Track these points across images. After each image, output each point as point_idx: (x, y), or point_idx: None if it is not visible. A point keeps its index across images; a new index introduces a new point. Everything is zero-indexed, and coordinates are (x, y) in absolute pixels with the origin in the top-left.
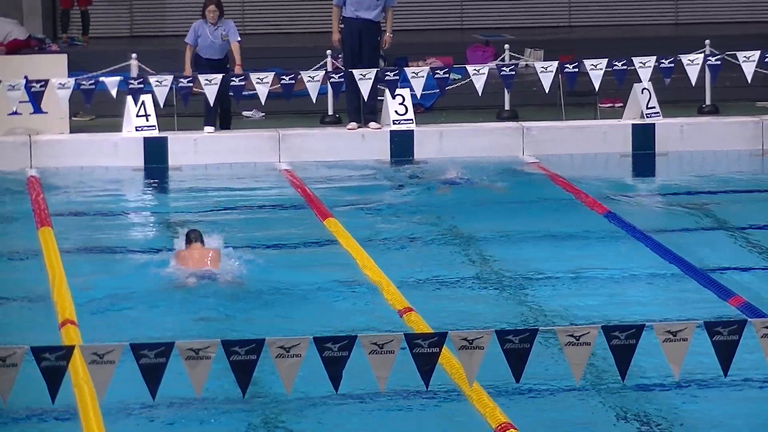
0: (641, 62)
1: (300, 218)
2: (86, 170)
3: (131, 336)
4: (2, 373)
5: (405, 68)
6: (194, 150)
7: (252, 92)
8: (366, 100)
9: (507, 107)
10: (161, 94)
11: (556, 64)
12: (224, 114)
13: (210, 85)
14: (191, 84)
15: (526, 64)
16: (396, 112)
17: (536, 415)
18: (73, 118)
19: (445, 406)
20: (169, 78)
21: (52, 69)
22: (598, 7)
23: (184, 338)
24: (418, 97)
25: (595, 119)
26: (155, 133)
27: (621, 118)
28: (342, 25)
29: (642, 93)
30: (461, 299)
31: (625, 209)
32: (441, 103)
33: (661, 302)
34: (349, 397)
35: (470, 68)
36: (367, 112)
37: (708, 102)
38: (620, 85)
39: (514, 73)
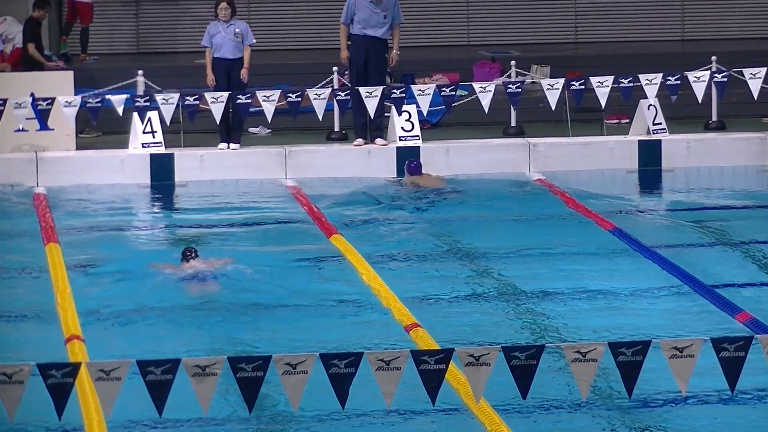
0: (648, 79)
1: (306, 234)
2: (92, 187)
3: (137, 351)
4: (9, 390)
5: (411, 85)
6: (200, 166)
7: (258, 109)
8: (372, 117)
9: (513, 123)
10: (167, 111)
11: (562, 80)
12: (235, 126)
13: (216, 103)
14: (197, 102)
15: (533, 81)
16: (402, 128)
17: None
18: (80, 135)
19: (452, 422)
20: (176, 96)
21: (59, 86)
22: (604, 23)
23: (191, 356)
24: (425, 113)
25: (601, 135)
26: (162, 150)
27: (627, 135)
28: (349, 43)
29: (648, 109)
30: (468, 315)
31: (631, 225)
32: (447, 120)
33: (668, 318)
34: (355, 414)
35: (477, 85)
36: (373, 128)
37: (714, 118)
38: (626, 101)
39: (520, 89)
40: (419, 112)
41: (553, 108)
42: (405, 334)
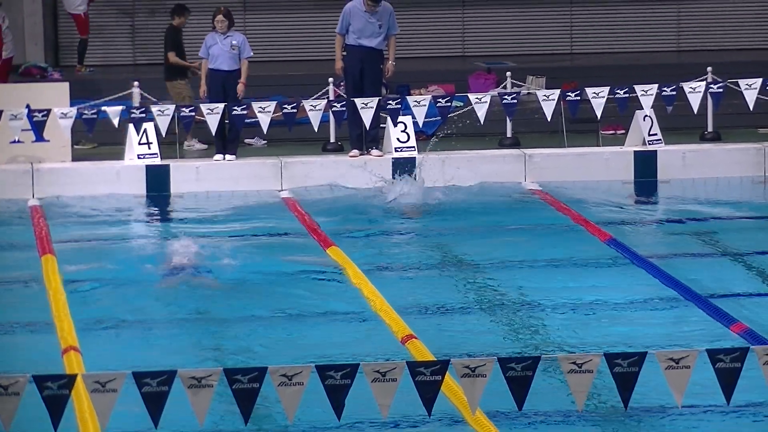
0: (643, 90)
1: (302, 246)
2: (88, 198)
3: (134, 362)
4: (5, 402)
5: (407, 96)
6: (196, 178)
7: (254, 120)
8: (368, 128)
9: (509, 134)
10: (163, 123)
11: (558, 91)
12: (231, 137)
13: (212, 115)
14: (193, 113)
15: (528, 92)
16: (398, 139)
17: None
18: (76, 147)
19: None
20: (171, 107)
21: (55, 98)
22: (600, 34)
23: (187, 367)
24: (420, 125)
25: (597, 146)
26: (157, 161)
27: (623, 146)
28: (344, 53)
29: (644, 120)
30: (464, 326)
31: (627, 236)
32: (443, 131)
33: (664, 329)
34: (351, 425)
35: (472, 96)
36: (369, 140)
37: (710, 129)
38: (622, 112)
39: (516, 100)
40: (415, 123)
41: (549, 119)
42: (401, 345)
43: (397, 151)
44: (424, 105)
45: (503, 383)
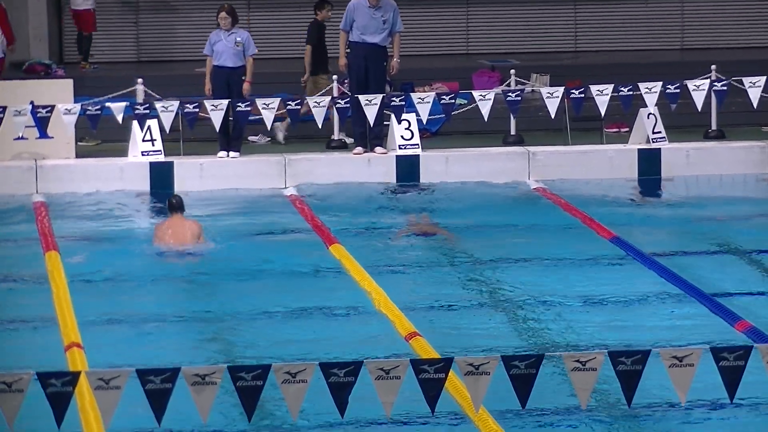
0: (647, 87)
1: (306, 244)
2: (92, 195)
3: (137, 359)
4: (8, 398)
5: (411, 93)
6: (200, 175)
7: (258, 117)
8: (372, 125)
9: (513, 132)
10: (167, 119)
11: (562, 89)
12: (235, 134)
13: (216, 111)
14: (197, 110)
15: (532, 90)
16: (402, 137)
17: None
18: (79, 143)
19: (451, 430)
20: (175, 103)
21: (58, 94)
22: (604, 32)
23: (190, 364)
24: (424, 122)
25: (601, 144)
26: (161, 158)
27: (627, 143)
28: (348, 50)
29: (648, 118)
30: (467, 324)
31: (631, 234)
32: (447, 128)
33: (668, 327)
34: (355, 423)
35: (476, 93)
36: (373, 137)
37: (714, 127)
38: (626, 110)
39: (520, 98)
40: (419, 121)
41: (553, 116)
42: (404, 343)
43: (401, 148)
44: (428, 102)
45: (507, 381)
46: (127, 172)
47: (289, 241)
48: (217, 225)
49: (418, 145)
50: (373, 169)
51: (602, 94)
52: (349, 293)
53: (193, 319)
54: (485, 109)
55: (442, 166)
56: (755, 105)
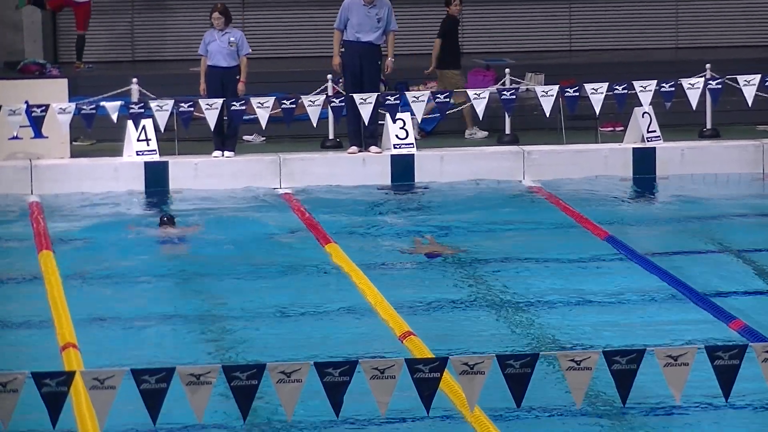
0: (642, 86)
1: (301, 243)
2: (87, 194)
3: (132, 359)
4: (3, 398)
5: (405, 92)
6: (195, 174)
7: (252, 116)
8: (367, 124)
9: (508, 131)
10: (162, 118)
11: (556, 88)
12: (229, 134)
13: (211, 110)
14: (192, 109)
15: (527, 89)
16: (397, 136)
17: None
18: (74, 143)
19: (446, 430)
20: (170, 102)
21: (53, 94)
22: (598, 31)
23: (186, 363)
24: (419, 120)
25: (595, 143)
26: (156, 158)
27: (622, 142)
28: (343, 49)
29: (643, 117)
30: (462, 323)
31: (625, 233)
32: (442, 127)
33: (662, 326)
34: (349, 423)
35: (471, 92)
36: (367, 136)
37: (709, 126)
38: (621, 109)
39: (514, 97)
40: (414, 120)
41: (548, 115)
42: (399, 342)
43: (396, 147)
44: (423, 101)
45: (502, 380)
46: (121, 172)
47: (284, 241)
48: (212, 225)
49: (413, 144)
50: (368, 168)
51: (597, 93)
52: (344, 292)
53: (188, 319)
54: (480, 107)
55: (437, 166)
56: (750, 103)
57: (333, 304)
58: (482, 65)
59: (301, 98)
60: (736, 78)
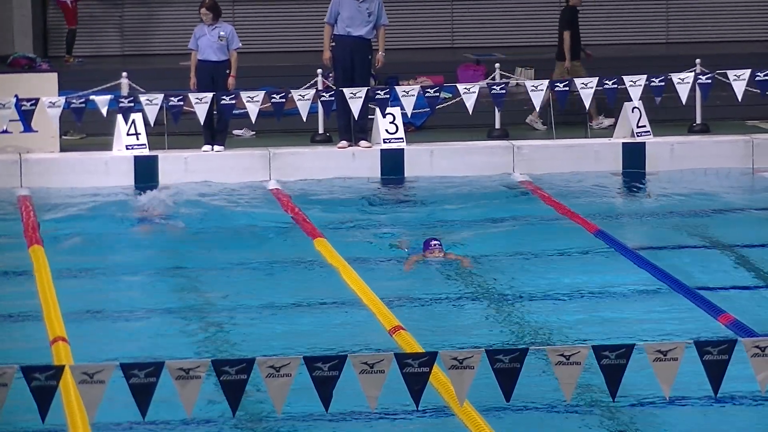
0: (632, 81)
1: (290, 237)
2: (77, 189)
3: (123, 353)
4: None
5: (396, 87)
6: (184, 168)
7: (242, 111)
8: (357, 118)
9: (498, 126)
10: (151, 112)
11: (546, 82)
12: (219, 128)
13: (200, 104)
14: (182, 103)
15: (517, 83)
16: (386, 130)
17: None
18: (64, 137)
19: (436, 424)
20: (160, 97)
21: (43, 88)
22: (588, 26)
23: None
24: (409, 116)
25: (585, 138)
26: (145, 152)
27: (612, 137)
28: (333, 43)
29: (633, 112)
30: (452, 318)
31: (615, 227)
32: (432, 122)
33: (652, 320)
34: (339, 416)
35: (461, 87)
36: (357, 130)
37: (698, 121)
38: (611, 103)
39: (504, 91)
40: (404, 115)
41: (538, 110)
42: (389, 336)
43: (386, 142)
44: (413, 96)
45: (491, 375)
46: (111, 166)
47: (274, 235)
48: (201, 219)
49: (402, 139)
50: (358, 162)
51: (587, 88)
52: (334, 287)
53: (177, 313)
54: (470, 102)
55: (426, 160)
56: (740, 98)
57: (322, 298)
58: (472, 60)
59: (291, 92)
60: (726, 73)
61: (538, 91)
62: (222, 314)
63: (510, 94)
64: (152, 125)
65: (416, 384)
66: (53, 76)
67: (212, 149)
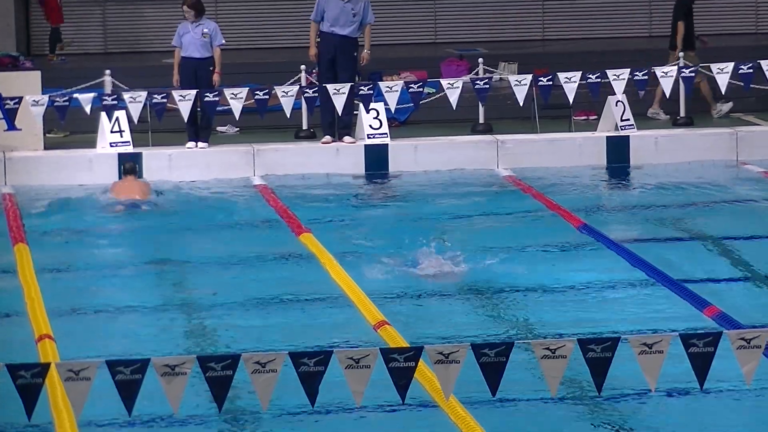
0: (615, 75)
1: (275, 233)
2: (61, 186)
3: (109, 350)
4: None
5: (379, 82)
6: (169, 166)
7: (226, 107)
8: (340, 114)
9: (481, 120)
10: (135, 110)
11: (530, 77)
12: (203, 125)
13: (184, 101)
14: (165, 100)
15: (501, 78)
16: (370, 126)
17: (513, 428)
18: (48, 135)
19: (422, 418)
20: (143, 94)
21: (26, 86)
22: (572, 20)
23: (162, 354)
24: (393, 111)
25: (569, 132)
26: (130, 149)
27: (595, 131)
28: (319, 40)
29: (616, 105)
30: (437, 313)
31: (600, 221)
32: (415, 117)
33: (637, 313)
34: (325, 412)
35: (444, 82)
36: (341, 126)
37: (682, 114)
38: (595, 97)
39: (488, 86)
40: (387, 110)
41: (521, 105)
42: (374, 332)
43: (370, 138)
44: (396, 91)
45: (477, 369)
46: (95, 164)
47: (258, 231)
48: (186, 215)
49: (386, 134)
50: (342, 158)
51: (570, 82)
52: (319, 282)
53: (163, 310)
54: (453, 97)
55: (410, 155)
56: (723, 92)
57: (307, 293)
58: (455, 55)
59: (274, 89)
60: (709, 66)
61: (521, 86)
62: (207, 310)
63: (493, 89)
64: (136, 122)
65: (402, 379)
66: (36, 75)
67: (196, 146)
